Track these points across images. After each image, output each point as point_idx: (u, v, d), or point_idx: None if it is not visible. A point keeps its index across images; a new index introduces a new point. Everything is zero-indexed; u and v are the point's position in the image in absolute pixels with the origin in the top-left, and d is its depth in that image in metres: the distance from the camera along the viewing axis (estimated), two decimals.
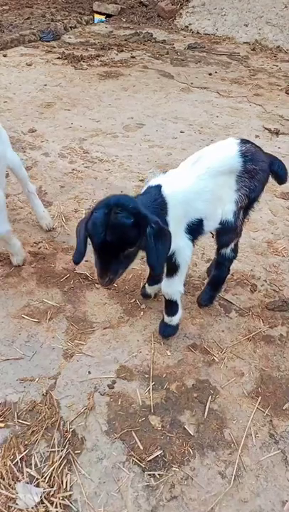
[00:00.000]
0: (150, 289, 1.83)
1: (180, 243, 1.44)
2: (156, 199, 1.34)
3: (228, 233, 1.58)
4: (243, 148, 1.48)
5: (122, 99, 3.91)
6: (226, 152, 1.48)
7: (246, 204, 1.56)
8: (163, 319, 1.70)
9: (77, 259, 1.29)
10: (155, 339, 1.71)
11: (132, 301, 1.87)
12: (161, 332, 1.70)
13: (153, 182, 1.41)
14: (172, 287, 1.54)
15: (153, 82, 4.33)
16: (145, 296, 1.86)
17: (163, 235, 1.21)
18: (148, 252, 1.21)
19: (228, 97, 4.11)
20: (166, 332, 1.69)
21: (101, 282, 1.19)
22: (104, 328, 1.74)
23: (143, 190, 1.42)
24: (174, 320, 1.66)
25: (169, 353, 1.66)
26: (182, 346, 1.70)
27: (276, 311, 1.87)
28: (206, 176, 1.43)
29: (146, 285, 1.83)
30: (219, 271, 1.73)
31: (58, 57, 4.83)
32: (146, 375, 1.57)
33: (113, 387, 1.53)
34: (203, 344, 1.70)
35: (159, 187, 1.37)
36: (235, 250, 1.69)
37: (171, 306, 1.62)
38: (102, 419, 1.44)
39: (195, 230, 1.47)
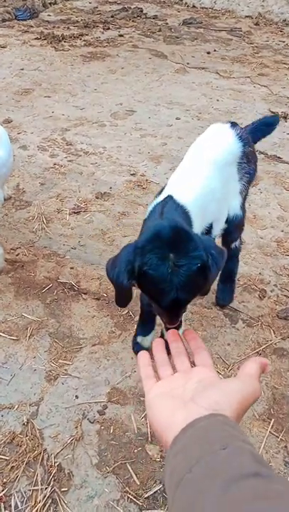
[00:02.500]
0: (146, 341, 1.69)
1: None
2: (177, 212, 1.25)
3: (237, 228, 1.64)
4: (238, 131, 1.51)
5: (109, 83, 3.90)
6: (225, 140, 1.49)
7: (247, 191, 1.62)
8: (162, 335, 1.67)
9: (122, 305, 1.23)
10: (151, 356, 1.68)
11: (124, 312, 1.85)
12: None
13: (160, 197, 1.31)
14: None
15: (144, 64, 4.32)
16: (140, 349, 1.67)
17: (222, 257, 1.09)
18: (210, 279, 1.08)
19: (229, 77, 4.11)
20: None
21: (170, 326, 1.09)
22: (93, 345, 1.72)
23: (152, 208, 1.31)
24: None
25: None
26: None
27: (288, 320, 1.85)
28: (213, 172, 1.41)
29: (140, 337, 1.69)
30: (232, 264, 1.82)
31: (36, 38, 4.82)
32: (142, 398, 1.54)
33: (104, 414, 1.51)
34: None
35: (171, 198, 1.27)
36: (240, 237, 1.78)
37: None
38: (92, 451, 1.41)
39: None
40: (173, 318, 1.08)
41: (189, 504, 0.46)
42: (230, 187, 1.52)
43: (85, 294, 1.92)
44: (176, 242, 0.98)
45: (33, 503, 1.29)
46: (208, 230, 1.45)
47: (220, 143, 1.48)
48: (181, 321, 1.12)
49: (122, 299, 1.13)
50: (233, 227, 1.61)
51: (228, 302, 1.89)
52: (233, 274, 1.86)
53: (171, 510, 0.49)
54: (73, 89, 3.77)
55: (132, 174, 2.67)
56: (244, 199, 1.62)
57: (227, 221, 1.56)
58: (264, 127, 1.72)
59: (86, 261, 2.08)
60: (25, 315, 1.82)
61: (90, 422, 1.49)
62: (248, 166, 1.55)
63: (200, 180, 1.38)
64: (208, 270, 1.00)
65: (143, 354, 0.76)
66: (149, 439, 1.44)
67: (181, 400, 0.61)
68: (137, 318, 1.81)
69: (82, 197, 2.49)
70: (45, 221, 2.30)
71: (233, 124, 1.57)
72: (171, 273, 0.97)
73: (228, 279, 1.86)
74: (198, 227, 1.34)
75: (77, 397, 1.55)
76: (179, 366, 0.72)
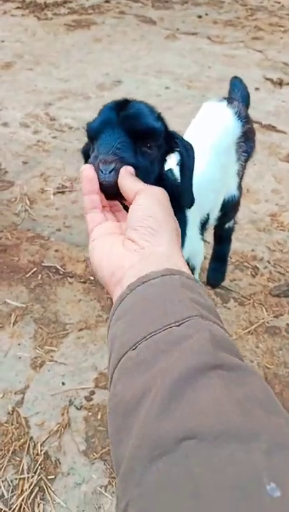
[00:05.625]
0: None
1: (197, 247, 1.38)
2: None
3: (233, 209, 1.61)
4: (236, 108, 1.45)
5: (94, 52, 3.81)
6: (224, 122, 1.42)
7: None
8: None
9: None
10: None
11: None
12: None
13: None
14: None
15: (131, 31, 4.22)
16: None
17: (193, 156, 0.99)
18: (184, 165, 0.95)
19: (221, 43, 4.01)
20: None
21: (102, 169, 0.68)
22: (80, 330, 1.71)
23: None
24: None
25: None
26: None
27: (282, 297, 1.84)
28: (214, 157, 1.36)
29: None
30: (226, 244, 1.81)
31: (17, 7, 4.68)
32: None
33: (91, 399, 1.51)
34: None
35: None
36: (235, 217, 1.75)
37: None
38: (80, 438, 1.42)
39: (204, 227, 1.42)
40: (106, 151, 0.72)
41: (133, 395, 0.38)
42: (229, 171, 1.47)
43: (70, 277, 1.90)
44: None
45: (19, 492, 1.31)
46: (205, 221, 1.40)
47: (219, 126, 1.40)
48: (116, 172, 0.69)
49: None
50: (229, 209, 1.56)
51: (219, 282, 1.87)
52: (226, 255, 1.85)
53: (110, 395, 0.42)
54: (57, 60, 3.68)
55: None
56: (241, 178, 1.57)
57: (223, 203, 1.51)
58: (245, 93, 1.66)
59: (71, 243, 2.05)
60: (9, 301, 1.81)
61: (76, 408, 1.49)
62: (246, 144, 1.49)
63: (199, 168, 1.33)
64: (168, 132, 0.89)
65: (88, 168, 0.66)
66: None
67: (120, 237, 0.56)
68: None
69: (67, 175, 2.45)
70: (28, 202, 2.27)
71: (230, 101, 1.49)
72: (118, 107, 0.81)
73: (220, 258, 1.85)
74: (195, 218, 1.31)
75: (63, 383, 1.55)
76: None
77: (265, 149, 2.67)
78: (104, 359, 1.63)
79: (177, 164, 0.97)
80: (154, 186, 0.62)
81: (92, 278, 1.90)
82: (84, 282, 1.88)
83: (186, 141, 0.96)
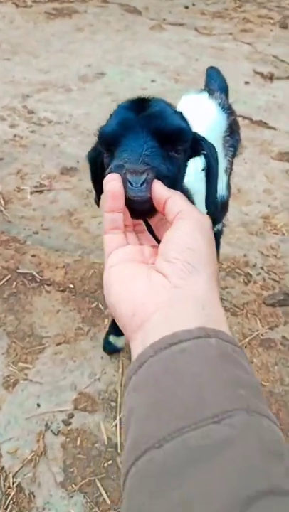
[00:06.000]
0: (120, 341, 1.55)
1: None
2: None
3: (222, 210, 1.50)
4: (219, 100, 1.34)
5: (76, 42, 3.68)
6: (208, 115, 1.31)
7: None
8: None
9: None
10: (125, 353, 1.56)
11: (92, 305, 1.71)
12: None
13: None
14: None
15: (115, 20, 4.09)
16: (113, 351, 1.57)
17: (217, 159, 0.88)
18: (209, 169, 0.84)
19: (209, 35, 3.91)
20: None
21: (131, 181, 0.56)
22: (58, 344, 1.59)
23: None
24: None
25: None
26: None
27: (277, 307, 1.73)
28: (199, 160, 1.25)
29: (112, 336, 1.55)
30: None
31: None
32: (113, 404, 1.43)
33: (70, 423, 1.39)
34: None
35: None
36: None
37: None
38: (57, 467, 1.30)
39: None
40: (135, 158, 0.60)
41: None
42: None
43: (48, 285, 1.76)
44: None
45: None
46: None
47: (203, 120, 1.28)
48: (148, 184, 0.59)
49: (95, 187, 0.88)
50: (218, 210, 1.46)
51: None
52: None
53: (124, 506, 0.34)
54: (36, 50, 3.54)
55: None
56: (229, 176, 1.48)
57: None
58: (224, 83, 1.57)
59: (50, 247, 1.91)
60: None
61: (53, 433, 1.37)
62: (232, 138, 1.39)
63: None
64: (194, 136, 0.77)
65: (115, 180, 0.54)
66: (121, 449, 1.32)
67: (144, 266, 0.48)
68: (107, 311, 1.68)
69: (46, 173, 2.31)
70: (3, 202, 2.12)
71: (210, 92, 1.40)
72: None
73: None
74: None
75: (39, 405, 1.43)
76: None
77: (256, 147, 2.55)
78: (85, 377, 1.50)
79: (203, 169, 0.84)
80: (197, 209, 0.51)
81: (71, 286, 1.76)
82: (63, 291, 1.74)
83: (210, 143, 0.82)
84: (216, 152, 0.83)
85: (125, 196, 0.54)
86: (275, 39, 3.84)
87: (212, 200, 0.87)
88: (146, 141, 0.62)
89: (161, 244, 0.48)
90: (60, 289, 1.75)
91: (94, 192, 0.89)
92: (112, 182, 0.53)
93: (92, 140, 0.81)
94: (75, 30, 3.87)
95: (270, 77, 3.23)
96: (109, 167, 0.60)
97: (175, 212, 0.50)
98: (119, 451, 1.33)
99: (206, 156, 0.80)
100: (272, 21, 4.18)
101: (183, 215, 0.49)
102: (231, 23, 4.11)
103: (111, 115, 0.70)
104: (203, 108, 1.33)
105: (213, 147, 0.82)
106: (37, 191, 2.20)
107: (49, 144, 2.51)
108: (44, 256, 1.87)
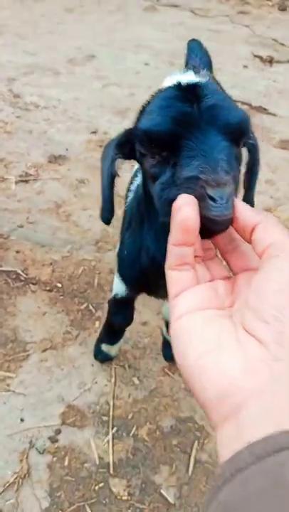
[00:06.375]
0: (113, 349, 1.44)
1: None
2: None
3: None
4: (206, 77, 1.22)
5: (66, 23, 3.61)
6: None
7: None
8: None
9: (106, 218, 0.76)
10: (117, 361, 1.45)
11: (82, 306, 1.60)
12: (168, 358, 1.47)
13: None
14: None
15: (107, 1, 4.02)
16: (105, 359, 1.46)
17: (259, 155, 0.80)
18: (252, 166, 0.75)
19: (205, 16, 3.84)
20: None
21: (215, 196, 0.46)
22: (44, 351, 1.48)
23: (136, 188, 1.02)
24: None
25: (136, 381, 1.43)
26: (155, 369, 1.46)
27: None
28: None
29: (105, 344, 1.43)
30: None
31: None
32: (105, 418, 1.33)
33: (57, 440, 1.29)
34: None
35: None
36: None
37: None
38: (42, 491, 1.19)
39: None
40: (219, 156, 0.52)
41: None
42: None
43: (34, 284, 1.65)
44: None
45: None
46: None
47: None
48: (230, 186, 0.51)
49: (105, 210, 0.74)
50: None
51: None
52: None
53: None
54: (23, 31, 3.45)
55: (92, 132, 2.39)
56: None
57: None
58: (207, 58, 1.48)
59: (36, 242, 1.80)
60: None
61: (38, 452, 1.27)
62: None
63: None
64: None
65: (190, 206, 0.43)
66: (112, 470, 1.21)
67: (228, 323, 0.40)
68: (98, 313, 1.56)
69: (32, 161, 2.21)
70: None
71: (196, 70, 1.28)
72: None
73: None
74: None
75: (22, 420, 1.33)
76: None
77: (256, 134, 2.42)
78: (73, 387, 1.39)
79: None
80: None
81: (59, 285, 1.64)
82: (50, 290, 1.63)
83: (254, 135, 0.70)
84: (258, 145, 0.73)
85: (201, 215, 0.43)
86: (274, 21, 3.76)
87: (252, 198, 0.77)
88: (218, 141, 0.51)
89: (250, 294, 0.39)
90: (47, 288, 1.65)
91: (102, 204, 0.73)
92: (186, 209, 0.42)
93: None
94: (65, 11, 3.80)
95: (270, 61, 3.13)
96: (169, 178, 0.51)
97: (266, 243, 0.40)
98: (111, 471, 1.22)
99: (253, 147, 0.70)
100: (270, 3, 4.11)
101: (277, 251, 0.39)
102: (228, 5, 4.04)
103: (150, 109, 0.59)
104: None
105: (256, 140, 0.73)
106: (22, 181, 2.07)
107: (36, 130, 2.41)
108: (29, 252, 1.75)
